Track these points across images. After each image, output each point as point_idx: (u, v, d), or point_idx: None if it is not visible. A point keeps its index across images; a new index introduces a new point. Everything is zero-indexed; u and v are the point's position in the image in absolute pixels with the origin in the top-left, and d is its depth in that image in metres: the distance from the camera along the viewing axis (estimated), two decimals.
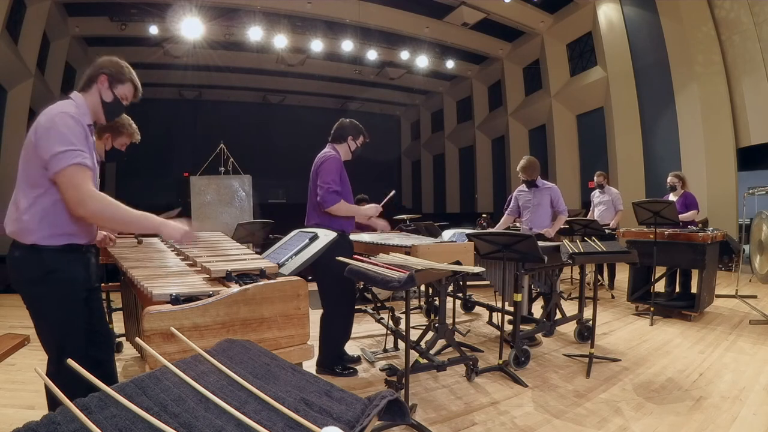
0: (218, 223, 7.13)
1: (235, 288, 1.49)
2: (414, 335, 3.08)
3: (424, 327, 3.27)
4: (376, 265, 2.01)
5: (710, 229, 4.55)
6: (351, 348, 3.23)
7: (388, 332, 3.37)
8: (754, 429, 2.10)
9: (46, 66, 8.90)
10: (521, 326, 3.12)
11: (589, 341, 2.98)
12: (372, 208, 2.96)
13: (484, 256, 3.06)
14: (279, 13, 9.34)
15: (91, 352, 1.67)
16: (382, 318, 3.63)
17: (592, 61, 10.08)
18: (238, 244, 2.32)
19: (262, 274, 1.66)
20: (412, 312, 3.00)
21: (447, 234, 4.12)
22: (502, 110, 12.76)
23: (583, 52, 10.36)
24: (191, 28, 8.83)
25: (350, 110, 15.75)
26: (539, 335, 3.56)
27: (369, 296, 4.50)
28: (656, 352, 3.25)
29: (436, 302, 3.14)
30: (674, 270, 4.63)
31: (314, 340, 1.97)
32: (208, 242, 2.31)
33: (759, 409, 2.29)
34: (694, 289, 4.33)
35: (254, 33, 9.30)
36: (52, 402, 1.55)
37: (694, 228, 4.58)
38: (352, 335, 3.05)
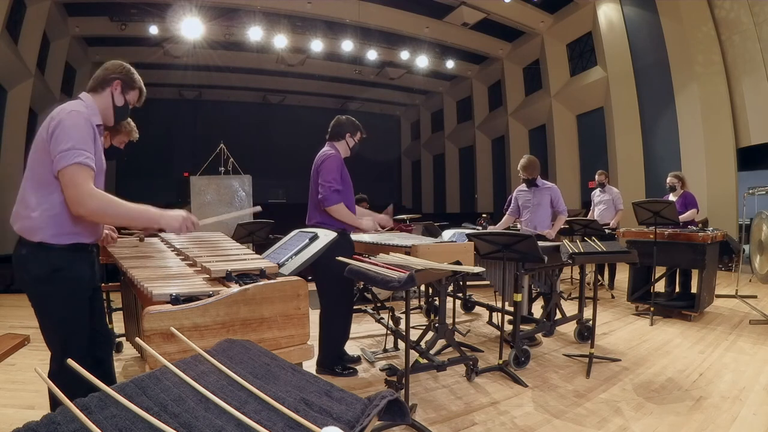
0: (218, 223, 7.10)
1: (235, 288, 1.49)
2: (414, 335, 3.08)
3: (424, 327, 3.27)
4: (376, 265, 2.01)
5: (710, 229, 4.55)
6: (351, 348, 3.22)
7: (388, 332, 3.37)
8: (754, 429, 2.10)
9: (46, 66, 8.90)
10: (521, 326, 3.12)
11: (589, 341, 2.98)
12: (370, 223, 2.90)
13: (484, 256, 3.06)
14: (279, 13, 9.34)
15: (91, 351, 1.67)
16: (382, 318, 3.63)
17: (592, 61, 10.07)
18: (238, 244, 2.32)
19: (262, 274, 1.66)
20: (412, 312, 3.00)
21: (447, 234, 4.12)
22: (502, 110, 12.76)
23: (583, 52, 10.36)
24: (191, 28, 8.83)
25: (350, 110, 15.72)
26: (539, 335, 3.56)
27: (369, 296, 4.49)
28: (656, 352, 3.25)
29: (436, 302, 3.14)
30: (674, 270, 4.63)
31: (314, 340, 1.98)
32: (208, 242, 2.31)
33: (759, 409, 2.29)
34: (694, 289, 4.33)
35: (254, 33, 9.31)
36: (54, 402, 1.55)
37: (694, 228, 4.58)
38: (352, 335, 3.05)
